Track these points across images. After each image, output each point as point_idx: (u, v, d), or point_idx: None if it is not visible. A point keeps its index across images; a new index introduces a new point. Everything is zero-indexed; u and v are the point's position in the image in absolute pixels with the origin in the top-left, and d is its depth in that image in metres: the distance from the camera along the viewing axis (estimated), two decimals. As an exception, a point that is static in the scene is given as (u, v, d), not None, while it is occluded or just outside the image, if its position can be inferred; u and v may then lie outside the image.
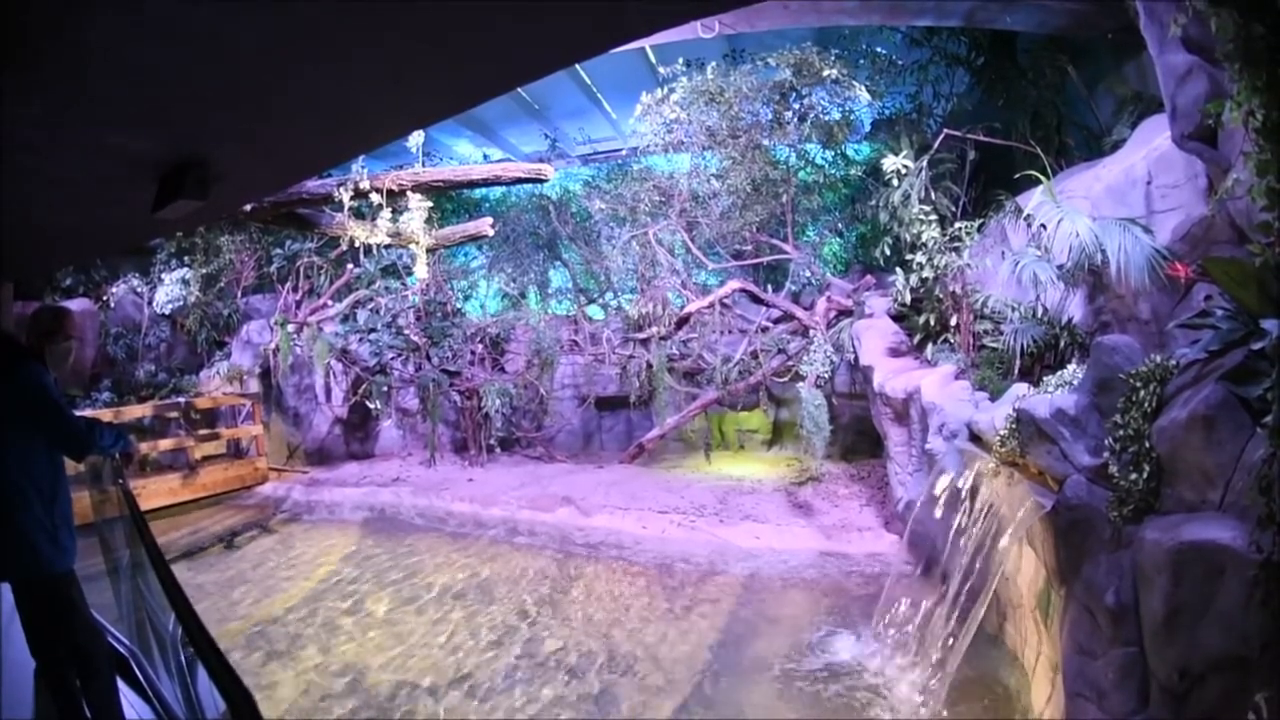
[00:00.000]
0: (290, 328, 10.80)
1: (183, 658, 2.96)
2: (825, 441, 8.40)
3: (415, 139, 7.49)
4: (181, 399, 10.55)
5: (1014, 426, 4.35)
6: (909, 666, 4.74)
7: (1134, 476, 3.16)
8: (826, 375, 8.70)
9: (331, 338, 10.83)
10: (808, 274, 10.37)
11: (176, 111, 2.12)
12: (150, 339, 11.70)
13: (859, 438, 9.48)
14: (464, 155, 13.69)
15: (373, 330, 10.96)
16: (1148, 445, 3.16)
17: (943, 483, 5.05)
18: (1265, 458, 2.50)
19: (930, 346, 7.04)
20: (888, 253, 7.88)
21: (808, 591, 6.11)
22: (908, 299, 7.32)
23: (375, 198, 6.57)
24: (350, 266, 11.12)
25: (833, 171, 10.45)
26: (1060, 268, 5.33)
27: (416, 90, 2.09)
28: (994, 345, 6.09)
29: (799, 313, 9.85)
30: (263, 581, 6.91)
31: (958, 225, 6.76)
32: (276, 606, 6.26)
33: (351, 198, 6.47)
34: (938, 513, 5.11)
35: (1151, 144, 5.14)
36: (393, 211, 6.80)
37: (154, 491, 9.08)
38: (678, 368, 10.58)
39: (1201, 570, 2.68)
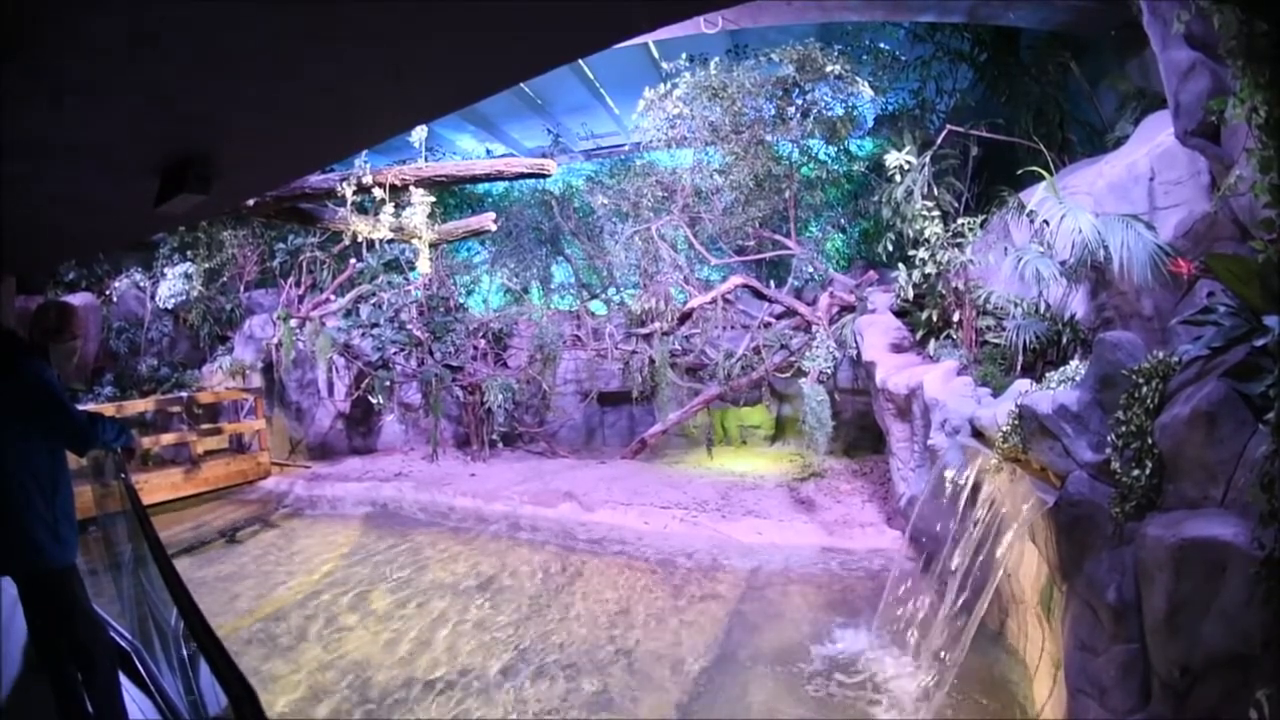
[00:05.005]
0: (293, 322, 10.79)
1: (185, 652, 2.96)
2: (827, 437, 8.39)
3: (418, 134, 7.46)
4: (184, 394, 10.56)
5: (1016, 422, 4.34)
6: (910, 663, 4.75)
7: (1136, 473, 3.16)
8: (829, 371, 8.68)
9: (334, 333, 10.82)
10: (810, 270, 10.37)
11: (178, 107, 2.13)
12: (153, 333, 11.70)
13: (861, 433, 9.48)
14: (467, 150, 13.69)
15: (375, 325, 10.95)
16: (1150, 442, 3.15)
17: (945, 479, 5.04)
18: (1267, 454, 2.50)
19: (933, 342, 7.03)
20: (890, 249, 7.88)
21: (809, 587, 6.12)
22: (910, 295, 7.31)
23: (378, 193, 6.56)
24: (353, 261, 11.11)
25: (835, 167, 10.43)
26: (1063, 264, 5.31)
27: (418, 86, 2.09)
28: (996, 341, 6.08)
29: (802, 308, 9.84)
30: (265, 576, 6.93)
31: (960, 221, 6.75)
32: (278, 601, 6.29)
33: (354, 193, 6.46)
34: (940, 508, 5.11)
35: (1154, 140, 5.12)
36: (395, 206, 6.79)
37: (156, 486, 9.11)
38: (680, 363, 10.57)
39: (1203, 567, 2.68)
